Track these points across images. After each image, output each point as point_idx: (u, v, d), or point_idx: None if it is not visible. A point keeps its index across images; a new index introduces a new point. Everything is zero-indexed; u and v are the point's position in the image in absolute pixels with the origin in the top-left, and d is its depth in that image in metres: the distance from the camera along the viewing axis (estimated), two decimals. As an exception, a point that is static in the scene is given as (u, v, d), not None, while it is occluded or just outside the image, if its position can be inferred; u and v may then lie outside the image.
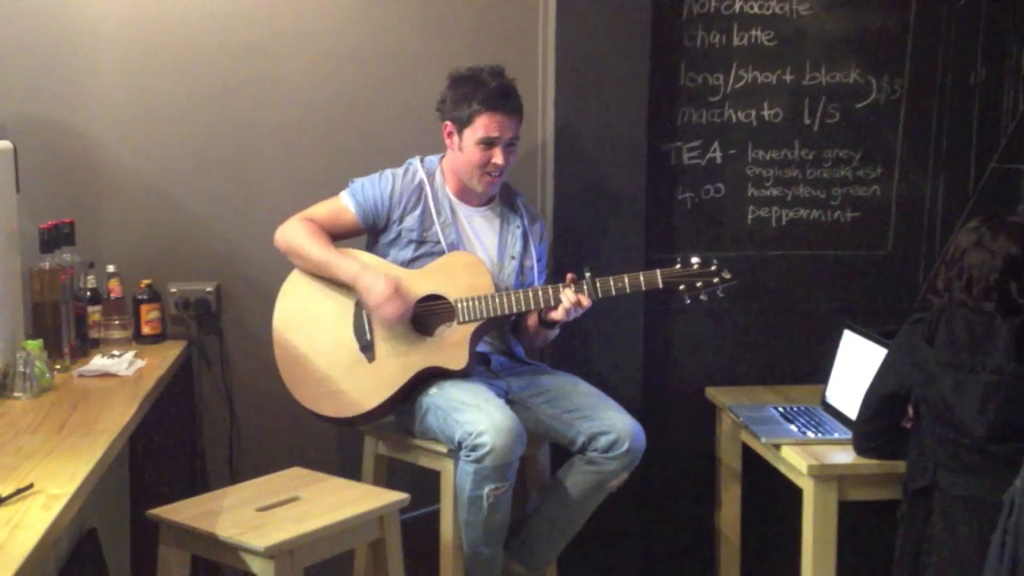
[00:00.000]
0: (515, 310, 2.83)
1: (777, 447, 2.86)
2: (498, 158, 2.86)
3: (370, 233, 2.99)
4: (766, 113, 3.39)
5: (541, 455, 3.01)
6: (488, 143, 2.85)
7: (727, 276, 2.85)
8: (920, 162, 3.45)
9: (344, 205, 2.94)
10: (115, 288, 3.12)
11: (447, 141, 2.94)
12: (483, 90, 2.85)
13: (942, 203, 3.46)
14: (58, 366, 2.75)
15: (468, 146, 2.87)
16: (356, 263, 2.87)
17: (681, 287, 2.84)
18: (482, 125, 2.84)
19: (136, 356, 2.91)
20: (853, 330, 3.06)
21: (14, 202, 2.76)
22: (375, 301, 2.80)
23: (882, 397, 2.67)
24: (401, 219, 2.93)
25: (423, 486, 2.89)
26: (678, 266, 2.85)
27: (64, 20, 3.14)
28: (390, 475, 3.01)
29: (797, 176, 3.43)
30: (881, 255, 3.47)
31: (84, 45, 3.16)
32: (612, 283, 2.81)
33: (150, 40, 3.18)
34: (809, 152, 3.42)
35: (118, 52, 3.18)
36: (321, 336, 2.88)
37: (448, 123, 2.92)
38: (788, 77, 3.38)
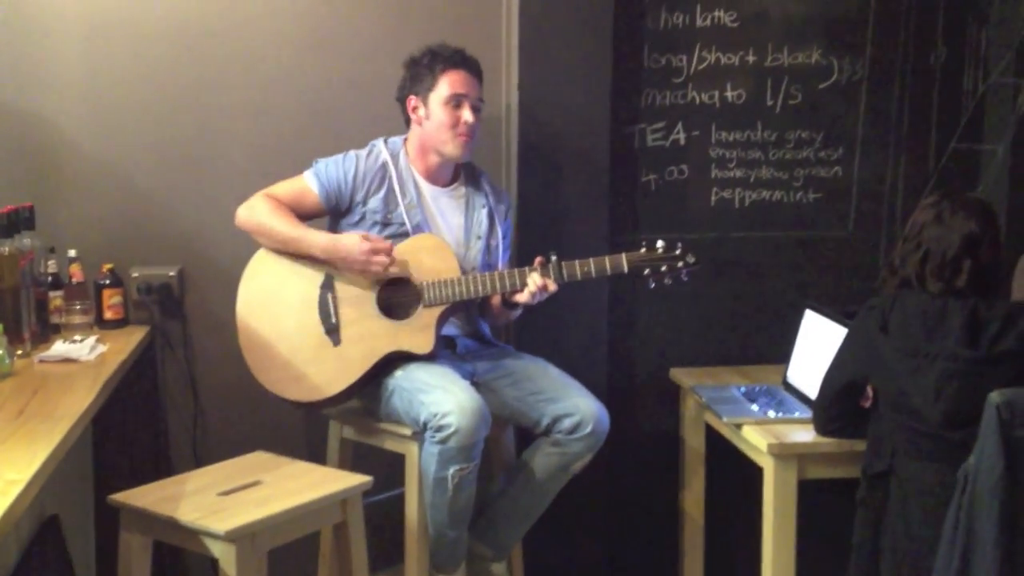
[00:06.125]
0: (481, 293, 2.84)
1: (739, 427, 2.88)
2: (468, 115, 2.87)
3: (332, 215, 2.98)
4: (729, 95, 3.40)
5: (506, 438, 3.02)
6: (456, 101, 2.87)
7: (691, 260, 2.87)
8: (881, 143, 3.47)
9: (307, 185, 2.92)
10: (76, 273, 3.09)
11: (412, 117, 2.94)
12: (442, 56, 2.90)
13: (903, 184, 3.49)
14: (19, 352, 2.72)
15: (436, 110, 2.88)
16: (325, 234, 2.87)
17: (646, 271, 2.85)
18: (448, 83, 2.87)
19: (98, 341, 2.88)
20: (814, 310, 3.09)
21: (-28, 187, 2.73)
22: (360, 261, 2.79)
23: (839, 385, 2.67)
24: (365, 200, 2.91)
25: (388, 470, 2.89)
26: (643, 250, 2.86)
27: (21, 3, 3.10)
28: (355, 459, 3.01)
29: (760, 157, 3.45)
30: (842, 236, 3.49)
31: (43, 28, 3.12)
32: (578, 267, 2.82)
33: (109, 23, 3.15)
34: (772, 133, 3.44)
35: (77, 35, 3.14)
36: (286, 319, 2.87)
37: (412, 97, 2.93)
38: (751, 58, 3.39)
